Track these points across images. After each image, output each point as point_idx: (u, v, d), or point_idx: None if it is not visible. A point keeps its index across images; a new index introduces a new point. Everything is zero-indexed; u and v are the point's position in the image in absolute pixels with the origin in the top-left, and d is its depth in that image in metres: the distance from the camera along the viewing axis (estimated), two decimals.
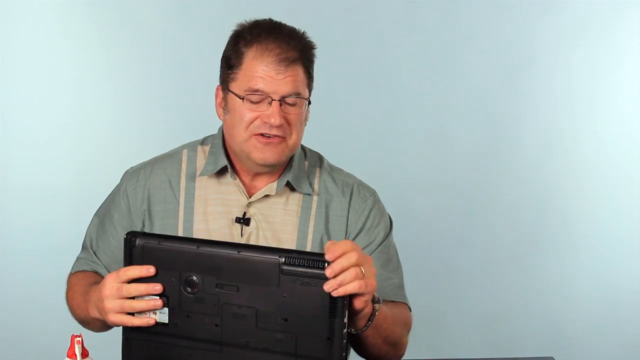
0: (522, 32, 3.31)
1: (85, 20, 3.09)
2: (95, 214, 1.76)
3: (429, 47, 3.27)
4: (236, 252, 1.32)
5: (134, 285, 1.36)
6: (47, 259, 3.01)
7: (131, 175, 1.71)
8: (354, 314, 1.35)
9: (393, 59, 3.27)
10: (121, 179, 1.73)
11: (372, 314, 1.40)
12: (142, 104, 3.16)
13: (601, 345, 3.39)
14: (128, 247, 1.37)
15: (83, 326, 1.64)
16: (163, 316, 1.36)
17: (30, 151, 3.08)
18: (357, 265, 1.27)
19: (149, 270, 1.35)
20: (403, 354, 1.63)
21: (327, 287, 1.27)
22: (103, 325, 1.55)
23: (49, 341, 3.05)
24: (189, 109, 3.10)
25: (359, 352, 1.56)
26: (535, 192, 3.39)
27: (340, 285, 1.27)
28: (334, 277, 1.27)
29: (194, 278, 1.34)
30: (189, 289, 1.35)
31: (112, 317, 1.39)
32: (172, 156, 1.71)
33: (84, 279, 1.65)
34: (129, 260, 1.37)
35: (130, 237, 1.37)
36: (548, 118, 3.37)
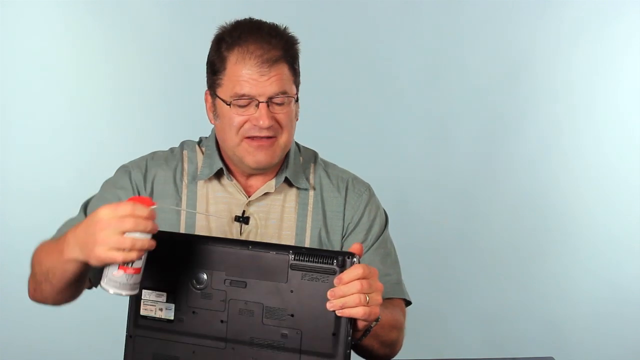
0: (522, 32, 3.32)
1: (85, 22, 3.08)
2: (82, 206, 1.70)
3: (428, 46, 3.28)
4: (246, 248, 1.33)
5: (131, 220, 1.27)
6: None
7: (135, 164, 1.70)
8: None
9: (393, 58, 3.27)
10: (117, 171, 1.70)
11: (368, 330, 1.40)
12: (141, 106, 3.16)
13: (601, 345, 3.39)
14: None
15: (41, 287, 1.50)
16: (169, 312, 1.37)
17: (30, 152, 3.07)
18: (362, 293, 1.27)
19: (151, 202, 1.29)
20: (399, 350, 1.64)
21: (330, 305, 1.27)
22: (72, 275, 1.41)
23: (49, 341, 3.07)
24: (188, 110, 3.08)
25: (355, 351, 1.57)
26: (535, 192, 3.39)
27: (342, 307, 1.27)
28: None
29: (203, 274, 1.35)
30: (197, 285, 1.35)
31: (102, 252, 1.27)
32: (175, 154, 1.71)
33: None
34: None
35: None
36: (548, 118, 3.37)
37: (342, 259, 1.28)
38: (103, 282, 1.30)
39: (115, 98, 3.14)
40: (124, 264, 1.28)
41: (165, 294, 1.37)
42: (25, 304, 3.03)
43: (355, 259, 1.28)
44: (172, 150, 1.73)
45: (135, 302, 1.39)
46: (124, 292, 1.29)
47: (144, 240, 1.27)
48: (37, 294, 1.55)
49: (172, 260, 1.36)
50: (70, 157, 3.09)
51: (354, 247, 1.32)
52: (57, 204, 3.09)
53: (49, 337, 3.06)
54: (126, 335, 1.40)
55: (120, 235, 1.26)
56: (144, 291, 1.38)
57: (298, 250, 1.31)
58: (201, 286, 1.35)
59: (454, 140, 3.33)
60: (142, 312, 1.38)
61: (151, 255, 1.32)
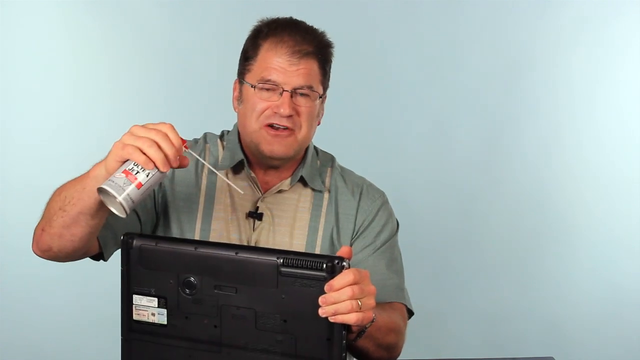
0: (522, 32, 3.31)
1: (84, 21, 3.08)
2: None
3: (428, 46, 3.27)
4: (234, 254, 1.31)
5: (164, 138, 1.30)
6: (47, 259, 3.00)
7: None
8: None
9: (392, 59, 3.27)
10: None
11: (362, 331, 1.40)
12: (142, 104, 3.16)
13: (601, 345, 3.39)
14: (125, 248, 1.36)
15: (51, 222, 1.46)
16: (162, 317, 1.36)
17: (30, 151, 3.08)
18: (354, 299, 1.26)
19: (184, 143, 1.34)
20: (398, 355, 1.63)
21: (322, 312, 1.26)
22: (90, 197, 1.38)
23: (49, 341, 3.07)
24: (188, 110, 3.10)
25: (353, 354, 1.57)
26: (535, 192, 3.38)
27: (335, 314, 1.26)
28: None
29: (192, 279, 1.34)
30: (187, 291, 1.34)
31: (124, 141, 1.30)
32: (199, 145, 1.74)
33: None
34: (127, 262, 1.37)
35: (128, 239, 1.36)
36: (548, 118, 3.36)
37: (330, 265, 1.26)
38: (102, 184, 1.31)
39: (115, 97, 3.14)
40: (130, 170, 1.29)
41: (156, 299, 1.36)
42: (25, 304, 3.08)
43: (344, 263, 1.27)
44: (195, 140, 1.75)
45: (126, 306, 1.38)
46: (113, 192, 1.28)
47: (162, 157, 1.29)
48: (45, 235, 1.49)
49: (160, 265, 1.35)
50: (71, 157, 3.08)
51: (342, 251, 1.30)
52: None
53: (49, 337, 3.07)
54: (121, 339, 1.40)
55: (147, 139, 1.29)
56: (134, 296, 1.37)
57: (286, 255, 1.29)
58: (191, 292, 1.34)
59: (454, 140, 3.33)
60: (135, 317, 1.38)
61: (140, 259, 1.34)
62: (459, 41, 3.28)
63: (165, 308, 1.36)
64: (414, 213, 3.27)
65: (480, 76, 3.30)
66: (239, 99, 1.66)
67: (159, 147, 1.30)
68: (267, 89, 1.59)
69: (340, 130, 3.17)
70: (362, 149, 3.22)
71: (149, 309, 1.37)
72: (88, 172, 1.39)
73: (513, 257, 3.39)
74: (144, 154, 1.29)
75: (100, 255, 1.63)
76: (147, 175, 1.31)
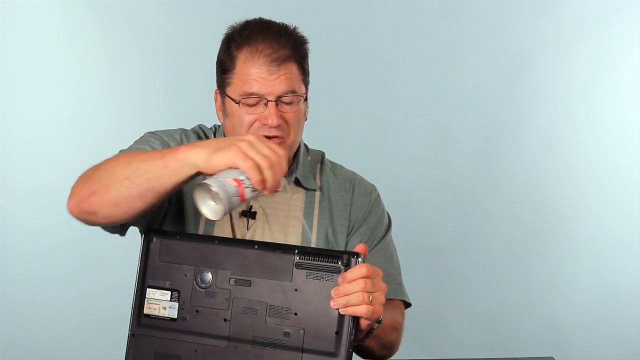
0: (522, 32, 3.32)
1: (85, 21, 3.08)
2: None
3: (429, 46, 3.28)
4: (252, 248, 1.34)
5: (278, 159, 1.30)
6: (47, 259, 3.00)
7: (169, 135, 1.66)
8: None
9: (393, 58, 3.28)
10: (147, 133, 1.68)
11: (370, 331, 1.41)
12: (142, 105, 3.16)
13: (601, 345, 3.39)
14: (146, 242, 1.38)
15: (110, 188, 1.36)
16: (173, 311, 1.37)
17: (30, 151, 3.07)
18: (366, 291, 1.27)
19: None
20: (397, 350, 1.65)
21: (333, 303, 1.28)
22: (168, 179, 1.33)
23: (49, 341, 3.06)
24: (189, 110, 3.09)
25: (354, 351, 1.57)
26: (535, 191, 3.39)
27: (346, 306, 1.28)
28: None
29: (208, 272, 1.35)
30: (201, 284, 1.36)
31: (242, 149, 1.27)
32: (198, 134, 1.71)
33: None
34: (145, 255, 1.38)
35: (149, 234, 1.38)
36: (548, 117, 3.37)
37: (347, 258, 1.29)
38: (208, 179, 1.26)
39: (115, 98, 3.14)
40: (241, 181, 1.26)
41: (169, 292, 1.37)
42: (25, 303, 3.07)
43: (360, 259, 1.29)
44: (194, 131, 1.72)
45: (139, 300, 1.39)
46: (219, 193, 1.24)
47: (274, 183, 1.27)
48: (95, 198, 1.38)
49: (178, 259, 1.37)
50: (71, 157, 3.09)
51: (358, 247, 1.32)
52: (58, 204, 3.08)
53: (49, 337, 3.06)
54: (129, 334, 1.40)
55: (267, 159, 1.27)
56: (148, 289, 1.38)
57: (303, 250, 1.32)
58: (205, 285, 1.35)
59: (454, 140, 3.33)
60: (146, 311, 1.38)
61: (160, 252, 1.35)
62: (459, 41, 3.29)
63: (177, 302, 1.37)
64: (414, 213, 3.27)
65: (481, 75, 3.31)
66: (223, 111, 1.64)
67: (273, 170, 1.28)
68: (251, 103, 1.57)
69: (340, 129, 3.18)
70: (362, 148, 3.22)
71: (160, 303, 1.38)
72: (173, 151, 1.33)
73: (513, 257, 3.40)
74: (261, 173, 1.27)
75: (115, 228, 1.55)
76: (252, 192, 1.28)
